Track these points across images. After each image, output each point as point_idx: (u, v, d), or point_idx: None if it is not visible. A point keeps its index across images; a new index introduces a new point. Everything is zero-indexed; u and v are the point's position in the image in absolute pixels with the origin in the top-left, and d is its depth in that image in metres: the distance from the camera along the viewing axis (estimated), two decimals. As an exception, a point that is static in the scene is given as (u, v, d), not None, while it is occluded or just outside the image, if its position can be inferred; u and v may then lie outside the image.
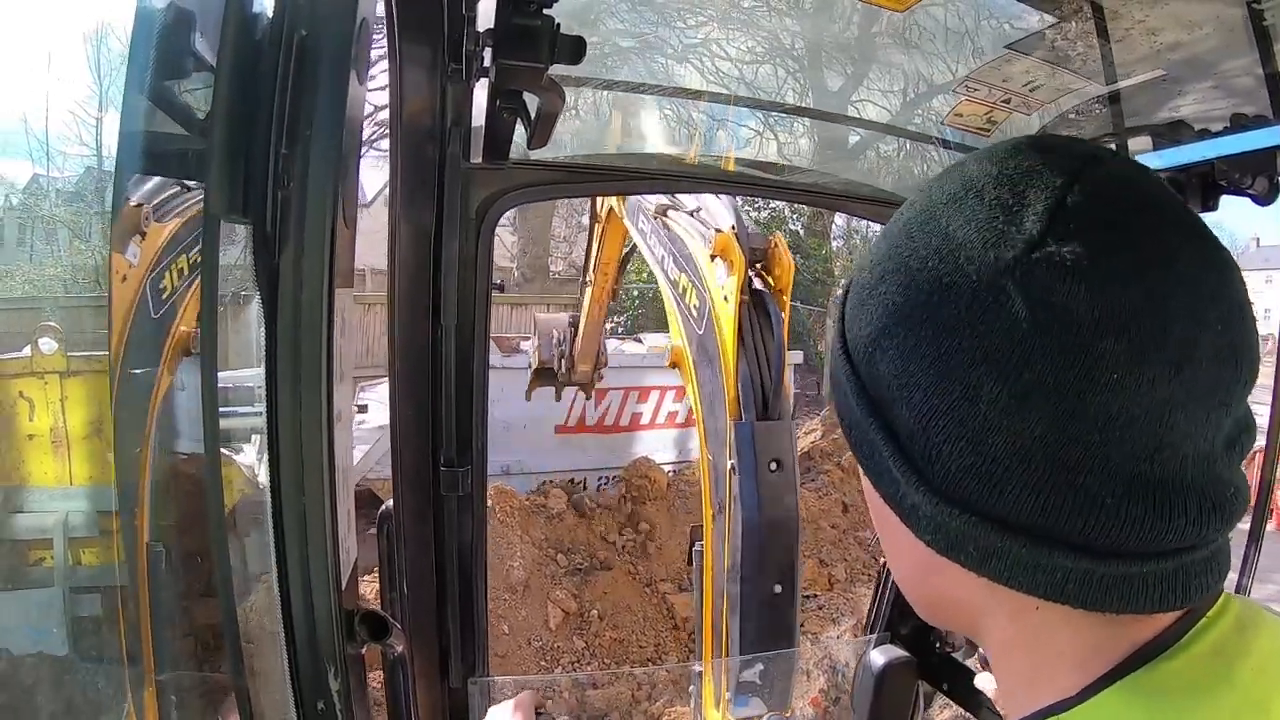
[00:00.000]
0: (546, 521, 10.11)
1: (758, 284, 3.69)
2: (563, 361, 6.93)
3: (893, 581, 2.65)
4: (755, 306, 3.59)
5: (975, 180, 0.70)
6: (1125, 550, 0.64)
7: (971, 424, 0.65)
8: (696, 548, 3.70)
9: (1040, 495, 0.64)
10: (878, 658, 2.58)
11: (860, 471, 0.79)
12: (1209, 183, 1.73)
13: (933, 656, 2.59)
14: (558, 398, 7.65)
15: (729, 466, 3.39)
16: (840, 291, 0.82)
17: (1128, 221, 0.65)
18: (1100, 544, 0.64)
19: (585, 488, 11.34)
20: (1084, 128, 1.88)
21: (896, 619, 2.67)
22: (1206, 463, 0.65)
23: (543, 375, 7.20)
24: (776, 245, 3.79)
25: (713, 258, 3.68)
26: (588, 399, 8.56)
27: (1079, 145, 0.73)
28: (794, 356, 11.85)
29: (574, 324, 6.87)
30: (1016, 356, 0.63)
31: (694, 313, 3.82)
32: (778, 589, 3.27)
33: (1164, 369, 0.61)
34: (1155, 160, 1.84)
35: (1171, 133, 1.76)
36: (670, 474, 10.96)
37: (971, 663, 2.46)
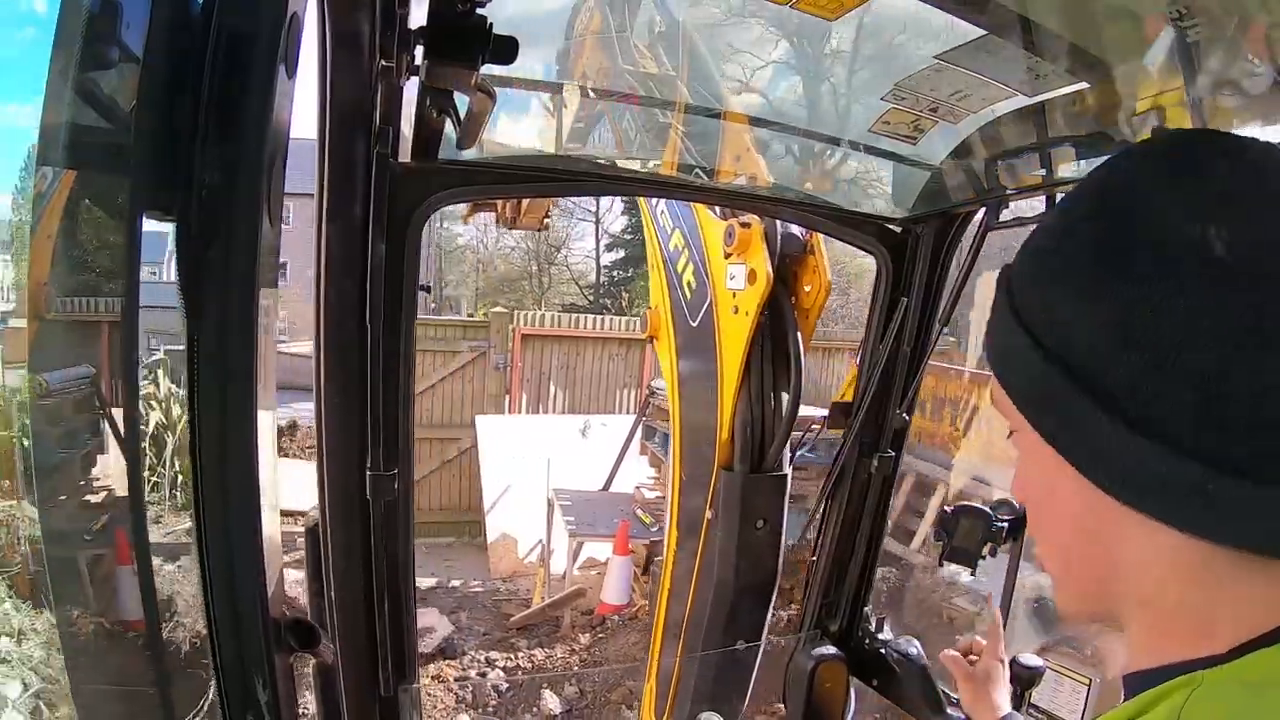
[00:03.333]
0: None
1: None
2: (507, 205, 6.57)
3: (820, 578, 2.70)
4: (774, 331, 2.87)
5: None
6: None
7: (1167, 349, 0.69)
8: (654, 566, 3.42)
9: (1256, 435, 0.67)
10: (808, 655, 2.63)
11: (1019, 444, 0.84)
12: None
13: (863, 653, 2.65)
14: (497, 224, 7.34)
15: (708, 516, 2.95)
16: (1003, 271, 0.86)
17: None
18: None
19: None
20: (1008, 138, 1.94)
21: (825, 616, 2.72)
22: None
23: (481, 207, 6.93)
24: (815, 253, 2.86)
25: (727, 255, 2.87)
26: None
27: None
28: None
29: None
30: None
31: (687, 292, 3.13)
32: (740, 645, 2.94)
33: None
34: (1077, 169, 1.91)
35: (1094, 143, 1.83)
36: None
37: (898, 660, 2.53)
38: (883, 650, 2.60)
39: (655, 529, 9.80)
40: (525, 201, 6.06)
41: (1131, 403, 0.71)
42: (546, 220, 6.82)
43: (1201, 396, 0.68)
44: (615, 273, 33.97)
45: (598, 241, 33.61)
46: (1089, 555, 0.81)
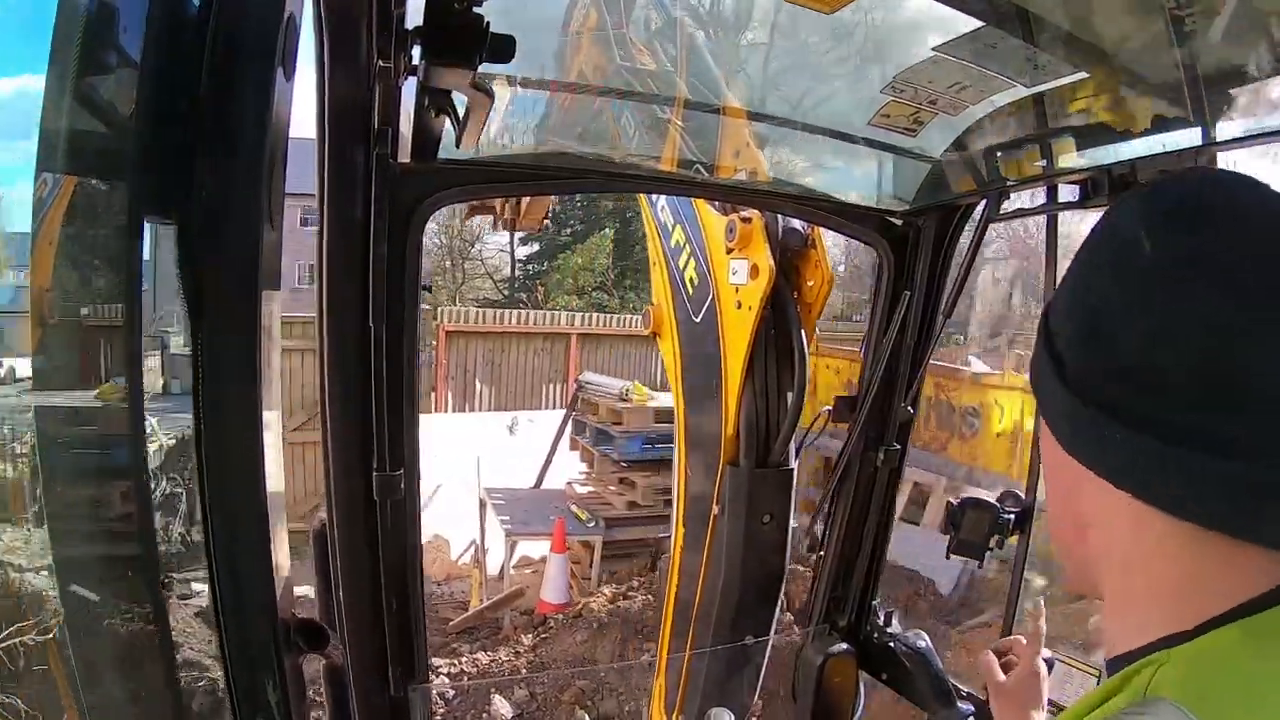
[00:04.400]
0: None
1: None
2: (506, 206, 6.20)
3: (827, 573, 2.70)
4: (777, 325, 2.87)
5: None
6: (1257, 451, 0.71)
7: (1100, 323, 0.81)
8: (663, 561, 3.40)
9: (1166, 391, 0.75)
10: (817, 649, 2.63)
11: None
12: (1129, 183, 1.80)
13: (872, 647, 2.65)
14: (495, 226, 7.13)
15: (714, 512, 2.94)
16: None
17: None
18: (1225, 434, 0.72)
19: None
20: (1008, 129, 1.94)
21: (834, 610, 2.72)
22: None
23: (479, 209, 6.58)
24: (816, 247, 2.86)
25: (729, 250, 2.86)
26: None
27: None
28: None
29: None
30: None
31: (689, 288, 3.12)
32: (749, 640, 2.94)
33: None
34: (1077, 160, 1.91)
35: (1093, 133, 1.83)
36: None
37: (907, 653, 2.53)
38: (892, 644, 2.60)
39: (592, 524, 9.83)
40: (525, 202, 6.01)
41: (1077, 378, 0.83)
42: (545, 221, 6.74)
43: (1133, 366, 0.77)
44: (530, 266, 34.32)
45: (512, 236, 33.63)
46: (1070, 514, 0.89)
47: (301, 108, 1.31)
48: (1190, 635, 0.74)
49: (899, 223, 2.41)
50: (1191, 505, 0.74)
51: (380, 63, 1.40)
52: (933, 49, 1.64)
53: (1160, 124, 1.67)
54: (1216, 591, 0.74)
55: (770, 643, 2.97)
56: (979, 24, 1.54)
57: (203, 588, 1.20)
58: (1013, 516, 2.20)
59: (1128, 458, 0.77)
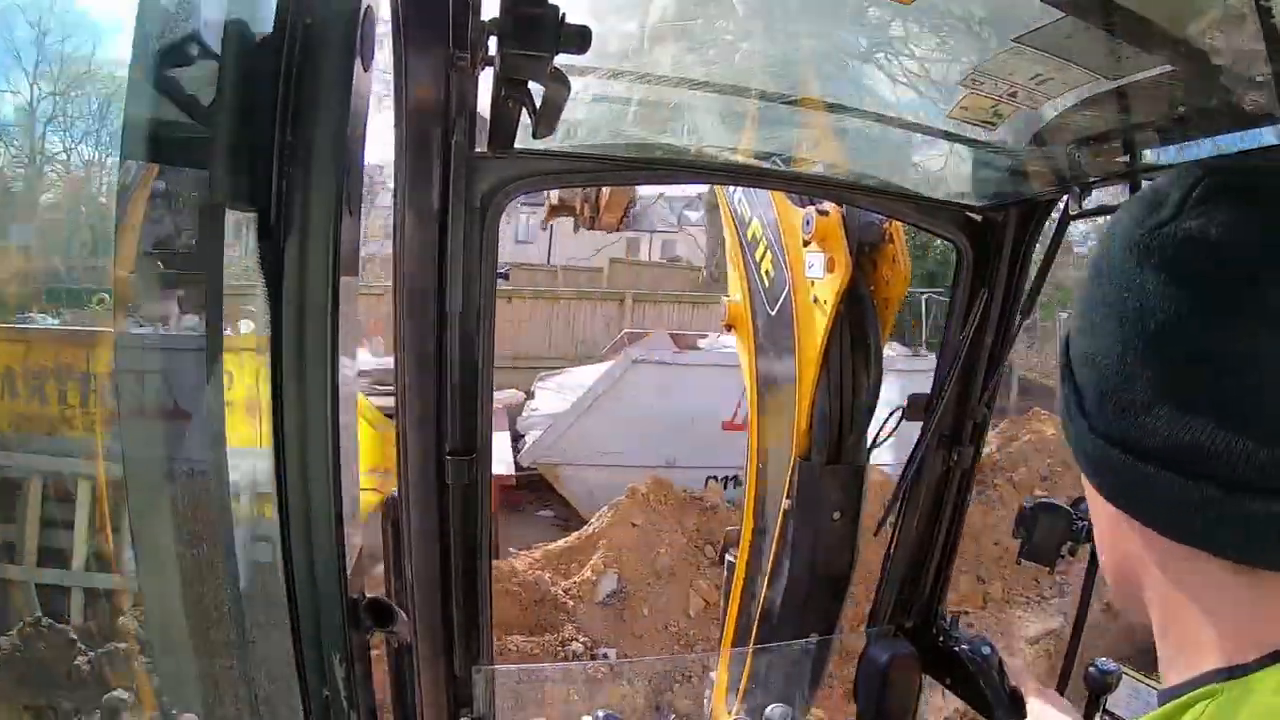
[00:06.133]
0: (700, 514, 10.26)
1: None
2: (586, 206, 6.15)
3: (895, 573, 2.65)
4: (852, 320, 2.82)
5: None
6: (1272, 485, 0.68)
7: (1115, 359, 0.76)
8: (730, 556, 3.37)
9: (1183, 426, 0.71)
10: (882, 651, 2.58)
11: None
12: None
13: (936, 650, 2.60)
14: (575, 228, 6.81)
15: (785, 506, 2.92)
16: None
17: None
18: (1245, 475, 0.68)
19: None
20: (1090, 123, 1.86)
21: (900, 612, 2.67)
22: None
23: (559, 210, 6.47)
24: (893, 241, 2.79)
25: (806, 243, 2.81)
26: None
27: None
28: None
29: None
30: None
31: (765, 281, 3.08)
32: (813, 638, 2.92)
33: None
34: (1162, 156, 1.83)
35: (1178, 128, 1.75)
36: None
37: (973, 659, 2.47)
38: (957, 649, 2.54)
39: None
40: (604, 201, 5.93)
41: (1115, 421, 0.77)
42: (625, 220, 6.61)
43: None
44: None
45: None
46: (1115, 554, 0.86)
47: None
48: (1247, 669, 0.71)
49: (979, 218, 2.34)
50: (1256, 551, 0.71)
51: (457, 53, 1.42)
52: (1012, 39, 1.58)
53: (1247, 118, 1.59)
54: (1274, 626, 0.71)
55: (835, 641, 2.94)
56: (1059, 13, 1.48)
57: (276, 564, 1.24)
58: (1087, 524, 2.12)
59: (1187, 510, 0.73)
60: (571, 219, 6.42)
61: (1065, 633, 7.89)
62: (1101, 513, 0.84)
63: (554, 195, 6.08)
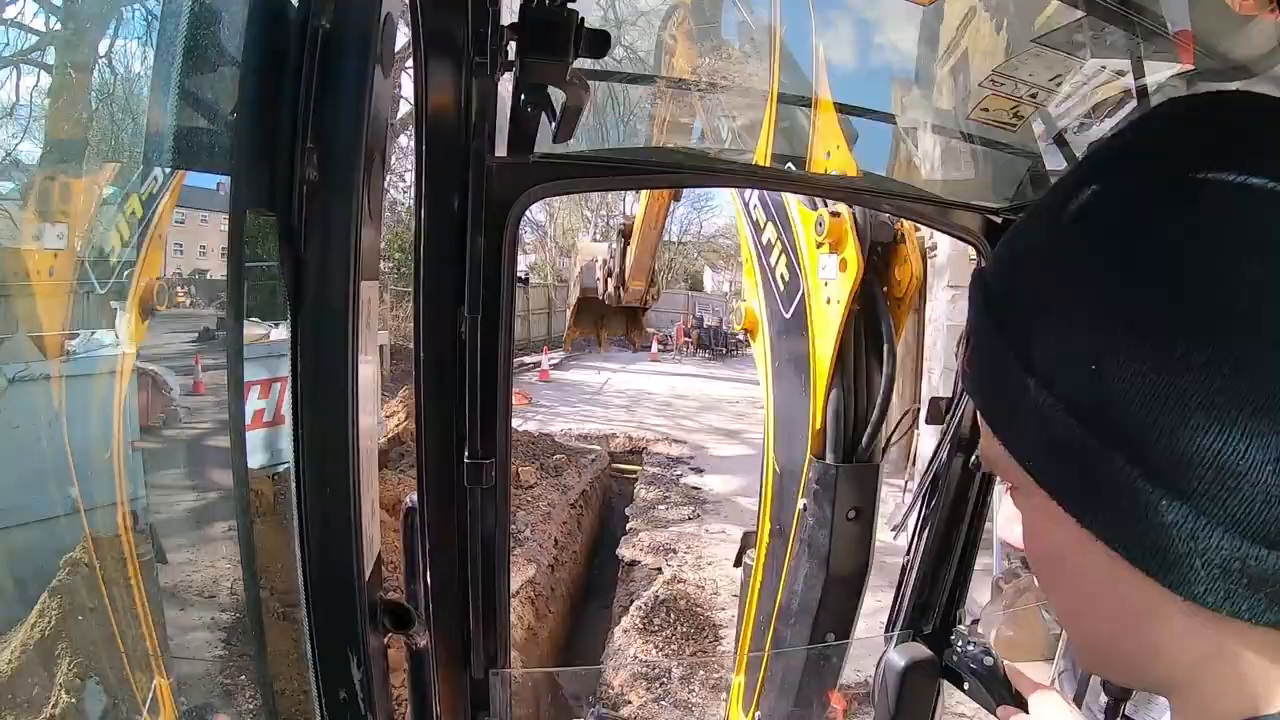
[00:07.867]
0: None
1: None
2: (609, 280, 5.69)
3: (913, 578, 2.63)
4: (866, 320, 2.85)
5: None
6: None
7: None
8: (747, 558, 3.34)
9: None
10: (900, 656, 2.56)
11: (1019, 504, 0.74)
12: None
13: (955, 655, 2.57)
14: (601, 344, 6.43)
15: (800, 506, 2.94)
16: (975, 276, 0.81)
17: None
18: None
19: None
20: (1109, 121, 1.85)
21: (918, 617, 2.65)
22: None
23: (585, 310, 6.00)
24: (905, 241, 2.82)
25: (819, 244, 2.82)
26: (635, 347, 7.46)
27: None
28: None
29: (625, 234, 5.60)
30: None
31: (780, 284, 3.08)
32: (830, 640, 2.94)
33: None
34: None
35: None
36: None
37: (992, 667, 2.44)
38: (976, 655, 2.51)
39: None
40: (628, 265, 5.62)
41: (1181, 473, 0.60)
42: (653, 294, 5.93)
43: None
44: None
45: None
46: (1142, 643, 0.69)
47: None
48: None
49: (999, 220, 2.32)
50: None
51: (477, 58, 1.42)
52: (1032, 40, 1.57)
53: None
54: None
55: (851, 644, 2.94)
56: (1079, 14, 1.47)
57: (294, 566, 1.25)
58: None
59: (1246, 581, 0.60)
60: (594, 337, 6.09)
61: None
62: (1123, 606, 0.68)
63: (575, 289, 5.85)
